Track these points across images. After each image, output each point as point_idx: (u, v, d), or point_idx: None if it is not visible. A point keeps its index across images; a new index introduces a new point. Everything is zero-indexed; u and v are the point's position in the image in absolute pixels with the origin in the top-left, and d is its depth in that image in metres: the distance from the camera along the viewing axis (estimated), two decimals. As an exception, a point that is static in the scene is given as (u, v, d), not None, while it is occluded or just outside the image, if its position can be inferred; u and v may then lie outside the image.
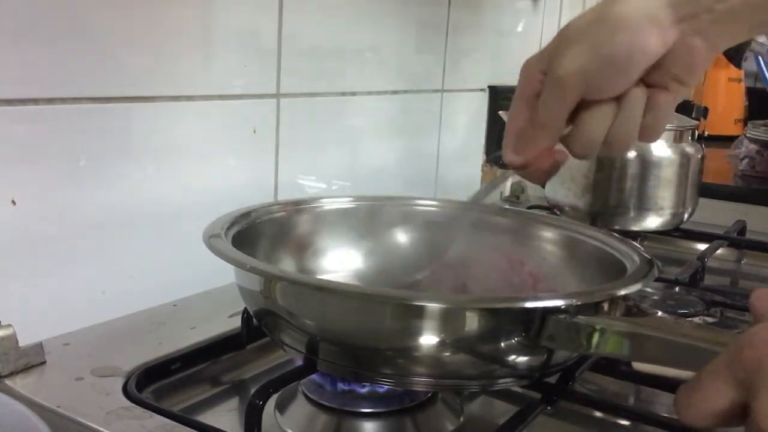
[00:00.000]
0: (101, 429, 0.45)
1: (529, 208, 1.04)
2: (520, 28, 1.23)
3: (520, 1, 1.22)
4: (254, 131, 0.76)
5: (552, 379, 0.50)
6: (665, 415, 0.53)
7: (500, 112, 0.96)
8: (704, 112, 0.95)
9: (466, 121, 1.14)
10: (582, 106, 0.44)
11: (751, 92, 1.66)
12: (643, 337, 0.41)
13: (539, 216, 0.66)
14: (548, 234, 0.63)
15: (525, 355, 0.44)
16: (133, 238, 0.65)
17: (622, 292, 0.44)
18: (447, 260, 0.63)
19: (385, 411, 0.49)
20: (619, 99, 0.44)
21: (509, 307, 0.43)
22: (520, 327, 0.43)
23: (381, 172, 0.96)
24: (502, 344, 0.43)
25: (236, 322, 0.59)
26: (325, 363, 0.47)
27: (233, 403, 0.55)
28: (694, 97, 1.39)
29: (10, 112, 0.55)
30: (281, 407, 0.51)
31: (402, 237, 0.66)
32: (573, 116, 0.45)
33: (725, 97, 1.58)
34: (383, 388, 0.49)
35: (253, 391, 0.46)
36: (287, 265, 0.60)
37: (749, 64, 1.67)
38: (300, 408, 0.50)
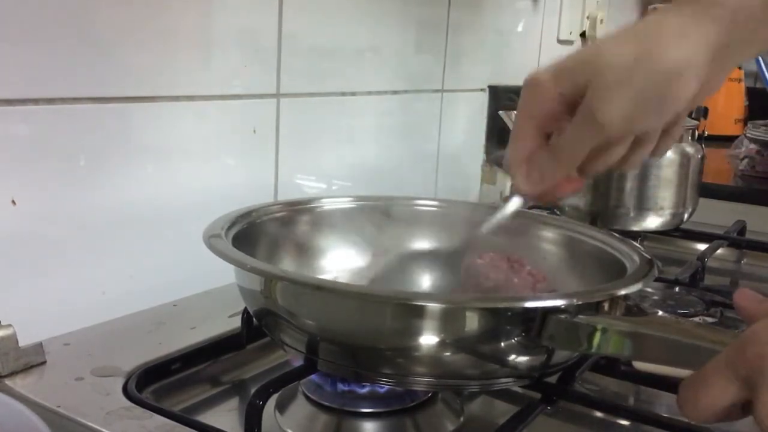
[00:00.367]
0: (101, 429, 0.45)
1: (530, 208, 1.03)
2: (520, 28, 1.23)
3: (520, 1, 1.22)
4: (254, 131, 0.76)
5: (552, 379, 0.50)
6: (665, 415, 0.53)
7: (500, 111, 0.96)
8: (704, 112, 0.95)
9: (466, 121, 1.14)
10: None
11: (751, 92, 1.66)
12: (644, 337, 0.41)
13: (539, 216, 0.66)
14: (548, 234, 0.63)
15: (525, 355, 0.44)
16: (133, 238, 0.65)
17: (623, 292, 0.44)
18: (447, 260, 0.63)
19: (385, 411, 0.49)
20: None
21: (510, 307, 0.43)
22: (520, 327, 0.43)
23: (381, 172, 0.96)
24: (503, 344, 0.43)
25: (236, 322, 0.59)
26: (326, 363, 0.47)
27: (233, 403, 0.55)
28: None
29: (10, 112, 0.55)
30: (281, 407, 0.50)
31: (402, 237, 0.66)
32: None
33: (725, 97, 1.58)
34: (383, 388, 0.49)
35: (253, 391, 0.46)
36: (287, 266, 0.60)
37: (749, 64, 1.67)
38: (300, 408, 0.50)
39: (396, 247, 0.65)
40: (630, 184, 0.85)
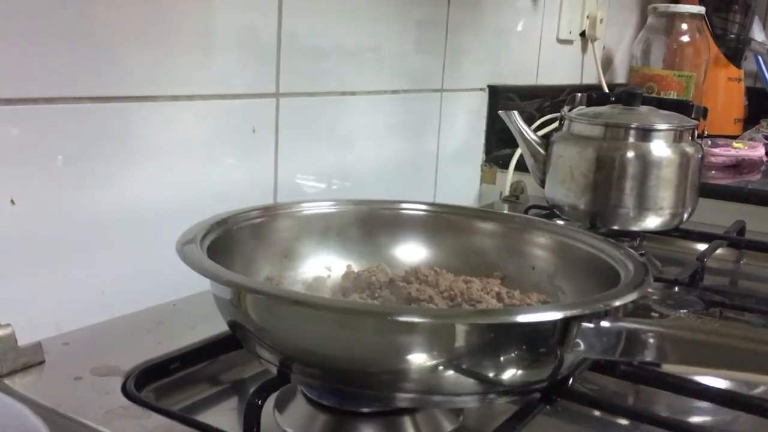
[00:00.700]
0: (100, 428, 0.45)
1: (529, 208, 1.04)
2: (520, 28, 1.23)
3: (520, 1, 1.22)
4: (254, 131, 0.76)
5: (551, 379, 0.50)
6: (664, 414, 0.53)
7: (500, 111, 0.96)
8: (704, 112, 0.95)
9: (466, 121, 1.14)
10: None
11: (751, 92, 1.66)
12: (676, 339, 0.41)
13: (531, 221, 0.66)
14: (540, 239, 0.62)
15: (539, 365, 0.44)
16: (133, 238, 0.65)
17: (635, 295, 0.44)
18: (432, 266, 0.63)
19: (384, 411, 0.49)
20: None
21: (532, 321, 0.42)
22: (541, 338, 0.43)
23: (381, 171, 0.96)
24: (509, 360, 0.43)
25: (236, 322, 0.58)
26: (305, 380, 0.47)
27: (232, 402, 0.55)
28: (694, 97, 1.39)
29: (10, 112, 0.55)
30: (280, 407, 0.50)
31: (386, 242, 0.66)
32: None
33: (725, 97, 1.58)
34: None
35: (252, 390, 0.46)
36: (267, 273, 0.59)
37: (749, 64, 1.67)
38: (299, 407, 0.50)
39: (379, 252, 0.65)
40: (630, 184, 0.85)
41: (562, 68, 1.40)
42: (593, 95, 0.97)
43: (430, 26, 1.01)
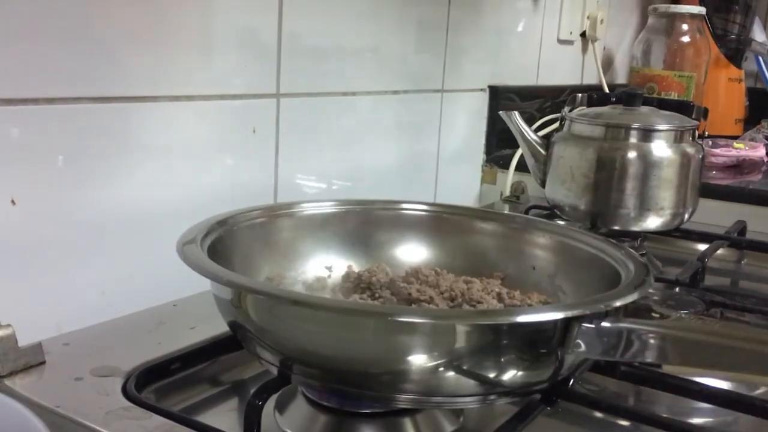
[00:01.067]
0: (100, 429, 0.45)
1: (529, 208, 1.04)
2: (520, 28, 1.23)
3: (520, 1, 1.22)
4: (254, 131, 0.75)
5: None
6: (665, 415, 0.53)
7: (500, 111, 0.96)
8: (704, 112, 0.95)
9: (466, 121, 1.14)
10: None
11: (751, 92, 1.66)
12: (677, 340, 0.41)
13: (532, 221, 0.66)
14: (541, 239, 0.62)
15: (539, 366, 0.44)
16: (133, 238, 0.65)
17: (636, 296, 0.44)
18: (433, 267, 0.63)
19: (385, 412, 0.49)
20: None
21: (536, 321, 0.43)
22: (542, 338, 0.43)
23: (381, 172, 0.96)
24: (511, 360, 0.43)
25: (236, 322, 0.58)
26: (306, 381, 0.47)
27: (233, 403, 0.55)
28: (695, 98, 1.39)
29: (10, 112, 0.55)
30: (281, 407, 0.50)
31: (387, 242, 0.66)
32: None
33: (725, 98, 1.58)
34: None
35: (252, 391, 0.46)
36: (267, 273, 0.59)
37: (749, 64, 1.67)
38: (299, 408, 0.50)
39: (380, 252, 0.65)
40: (630, 185, 0.85)
41: (563, 69, 1.40)
42: (594, 96, 0.97)
43: (430, 27, 1.01)
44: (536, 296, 0.58)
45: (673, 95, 1.39)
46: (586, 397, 0.53)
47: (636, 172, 0.85)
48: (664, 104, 0.95)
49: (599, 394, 0.57)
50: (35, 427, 0.37)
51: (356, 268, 0.63)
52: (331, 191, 0.87)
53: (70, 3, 0.57)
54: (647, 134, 0.85)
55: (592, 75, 1.48)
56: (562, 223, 0.78)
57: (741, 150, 1.25)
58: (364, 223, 0.66)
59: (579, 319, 0.42)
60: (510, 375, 0.44)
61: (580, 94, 0.97)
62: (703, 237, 0.94)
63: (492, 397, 0.46)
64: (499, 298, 0.58)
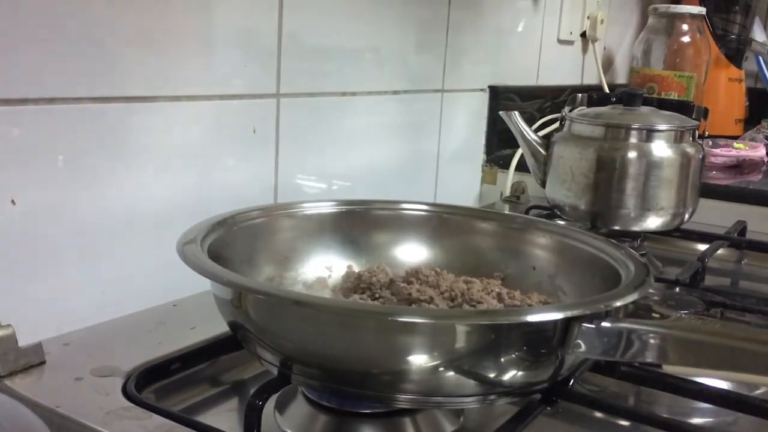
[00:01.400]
0: (100, 429, 0.45)
1: (530, 208, 1.04)
2: (520, 28, 1.23)
3: (520, 1, 1.22)
4: (254, 131, 0.75)
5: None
6: (665, 415, 0.53)
7: (501, 111, 0.96)
8: (704, 112, 0.95)
9: (466, 121, 1.14)
10: None
11: (751, 92, 1.66)
12: (677, 340, 0.41)
13: (532, 221, 0.66)
14: (541, 240, 0.62)
15: (540, 366, 0.44)
16: (133, 238, 0.65)
17: (636, 296, 0.44)
18: (433, 267, 0.63)
19: (385, 412, 0.49)
20: None
21: (537, 320, 0.43)
22: (542, 338, 0.43)
23: (381, 172, 0.96)
24: (513, 360, 0.43)
25: (236, 322, 0.58)
26: (306, 381, 0.47)
27: (233, 403, 0.55)
28: (695, 98, 1.39)
29: (10, 112, 0.55)
30: (281, 407, 0.50)
31: (387, 242, 0.66)
32: None
33: (725, 98, 1.58)
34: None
35: (252, 391, 0.46)
36: (267, 273, 0.59)
37: (750, 65, 1.67)
38: (299, 408, 0.50)
39: (380, 252, 0.65)
40: (630, 185, 0.85)
41: (563, 69, 1.40)
42: (594, 96, 0.97)
43: (430, 27, 1.01)
44: (536, 296, 0.58)
45: (674, 95, 1.39)
46: (586, 397, 0.53)
47: (636, 172, 0.85)
48: (664, 104, 0.95)
49: (599, 394, 0.57)
50: (35, 427, 0.37)
51: (356, 268, 0.63)
52: (331, 191, 0.87)
53: (70, 3, 0.57)
54: (647, 134, 0.85)
55: (592, 75, 1.48)
56: (562, 223, 0.78)
57: (741, 150, 1.25)
58: (364, 223, 0.66)
59: (579, 319, 0.42)
60: (510, 375, 0.44)
61: (580, 94, 0.97)
62: (703, 237, 0.94)
63: (492, 397, 0.46)
64: (499, 298, 0.58)
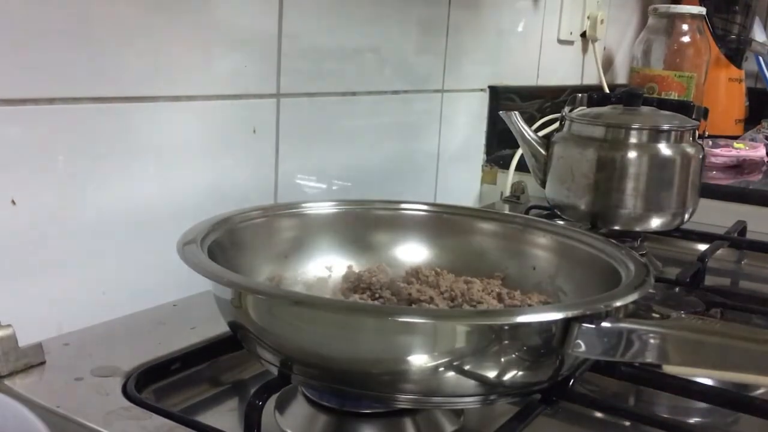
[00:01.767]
0: (101, 429, 0.45)
1: (530, 208, 1.04)
2: (520, 28, 1.23)
3: (520, 1, 1.22)
4: (254, 131, 0.75)
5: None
6: (665, 415, 0.53)
7: (501, 112, 0.96)
8: (704, 112, 0.95)
9: (466, 121, 1.14)
10: None
11: (751, 92, 1.66)
12: (677, 340, 0.41)
13: (532, 221, 0.66)
14: (541, 240, 0.62)
15: (540, 366, 0.44)
16: (133, 238, 0.65)
17: (636, 296, 0.44)
18: (433, 267, 0.63)
19: (385, 412, 0.49)
20: None
21: (534, 321, 0.43)
22: (542, 338, 0.43)
23: (381, 172, 0.96)
24: (514, 360, 0.43)
25: (236, 323, 0.58)
26: (306, 382, 0.47)
27: (233, 403, 0.55)
28: (695, 98, 1.39)
29: (10, 112, 0.55)
30: (281, 407, 0.50)
31: (387, 242, 0.66)
32: None
33: (726, 98, 1.58)
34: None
35: (252, 391, 0.46)
36: (267, 273, 0.59)
37: (750, 65, 1.67)
38: (300, 408, 0.50)
39: (381, 252, 0.65)
40: (630, 185, 0.85)
41: (563, 69, 1.40)
42: (594, 96, 0.97)
43: (430, 27, 1.01)
44: (536, 296, 0.58)
45: (674, 95, 1.39)
46: (586, 397, 0.53)
47: (636, 173, 0.85)
48: (664, 104, 0.95)
49: (599, 394, 0.57)
50: (35, 427, 0.37)
51: (356, 268, 0.63)
52: (331, 191, 0.87)
53: (70, 3, 0.57)
54: (647, 134, 0.85)
55: (593, 75, 1.48)
56: (562, 223, 0.78)
57: (741, 150, 1.25)
58: (364, 223, 0.66)
59: (579, 319, 0.42)
60: (510, 375, 0.44)
61: (580, 94, 0.97)
62: (703, 237, 0.94)
63: (492, 397, 0.46)
64: (500, 298, 0.58)
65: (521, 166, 1.10)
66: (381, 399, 0.46)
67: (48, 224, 0.58)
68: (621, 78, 1.63)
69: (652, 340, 0.42)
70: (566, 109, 0.94)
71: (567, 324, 0.42)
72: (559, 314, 0.43)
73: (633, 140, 0.85)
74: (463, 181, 1.18)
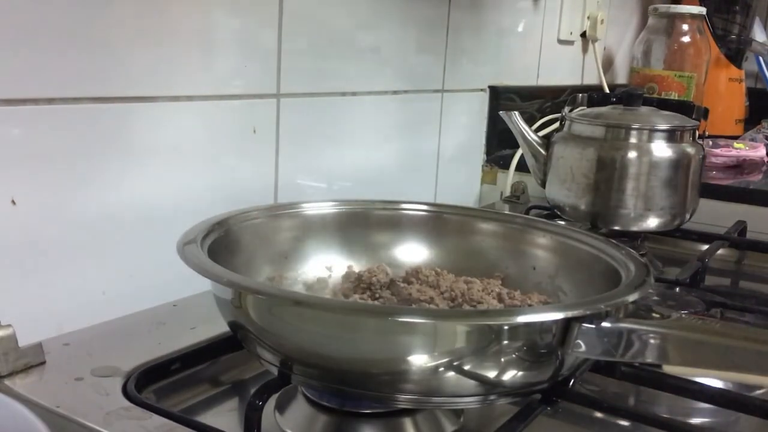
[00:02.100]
0: (100, 429, 0.45)
1: (530, 208, 1.04)
2: (520, 29, 1.23)
3: (520, 1, 1.22)
4: (254, 131, 0.75)
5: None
6: (665, 416, 0.53)
7: (501, 111, 0.96)
8: (704, 112, 0.95)
9: (466, 121, 1.14)
10: None
11: (751, 92, 1.66)
12: (677, 340, 0.41)
13: (532, 221, 0.66)
14: (541, 240, 0.62)
15: (540, 366, 0.44)
16: (133, 238, 0.65)
17: (636, 296, 0.44)
18: (433, 267, 0.63)
19: (385, 412, 0.49)
20: None
21: (535, 321, 0.43)
22: (542, 338, 0.43)
23: (381, 172, 0.96)
24: (513, 360, 0.43)
25: (236, 323, 0.58)
26: (306, 382, 0.47)
27: (233, 403, 0.55)
28: (695, 98, 1.39)
29: (10, 112, 0.55)
30: (281, 407, 0.50)
31: (387, 242, 0.66)
32: None
33: (726, 98, 1.58)
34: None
35: (252, 391, 0.46)
36: (267, 273, 0.59)
37: (750, 65, 1.67)
38: (300, 408, 0.50)
39: (379, 252, 0.65)
40: (631, 185, 0.85)
41: (563, 69, 1.40)
42: (594, 96, 0.97)
43: (431, 27, 1.01)
44: (536, 296, 0.58)
45: (674, 95, 1.39)
46: (586, 397, 0.53)
47: (636, 173, 0.85)
48: (664, 104, 0.95)
49: (599, 394, 0.57)
50: (35, 427, 0.37)
51: (356, 268, 0.63)
52: (331, 191, 0.87)
53: (70, 3, 0.57)
54: (647, 134, 0.85)
55: (593, 75, 1.48)
56: (562, 223, 0.78)
57: (741, 150, 1.25)
58: (364, 223, 0.66)
59: (579, 319, 0.42)
60: (510, 375, 0.44)
61: (580, 94, 0.97)
62: (703, 237, 0.94)
63: (492, 397, 0.46)
64: (500, 298, 0.58)
65: (521, 166, 1.10)
66: (381, 399, 0.46)
67: (48, 224, 0.58)
68: (621, 78, 1.63)
69: (652, 340, 0.42)
70: (566, 109, 0.94)
71: (567, 324, 0.42)
72: (560, 314, 0.43)
73: (633, 140, 0.85)
74: (463, 181, 1.18)
